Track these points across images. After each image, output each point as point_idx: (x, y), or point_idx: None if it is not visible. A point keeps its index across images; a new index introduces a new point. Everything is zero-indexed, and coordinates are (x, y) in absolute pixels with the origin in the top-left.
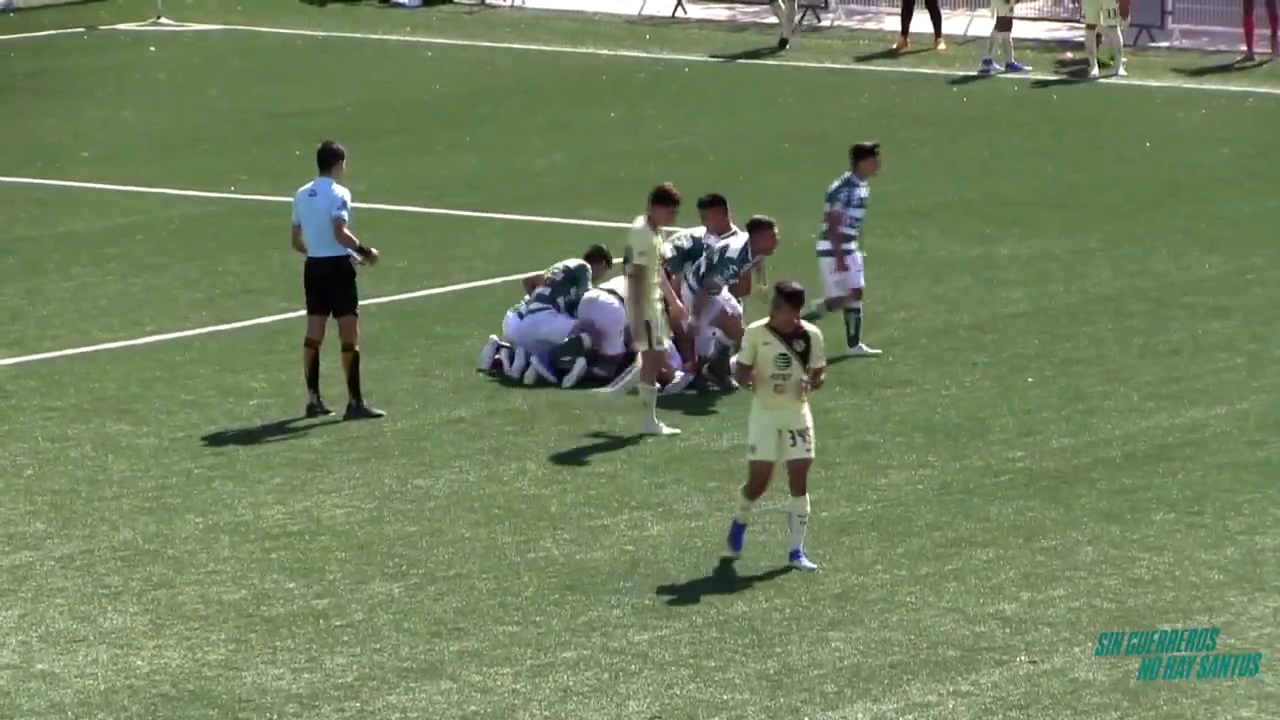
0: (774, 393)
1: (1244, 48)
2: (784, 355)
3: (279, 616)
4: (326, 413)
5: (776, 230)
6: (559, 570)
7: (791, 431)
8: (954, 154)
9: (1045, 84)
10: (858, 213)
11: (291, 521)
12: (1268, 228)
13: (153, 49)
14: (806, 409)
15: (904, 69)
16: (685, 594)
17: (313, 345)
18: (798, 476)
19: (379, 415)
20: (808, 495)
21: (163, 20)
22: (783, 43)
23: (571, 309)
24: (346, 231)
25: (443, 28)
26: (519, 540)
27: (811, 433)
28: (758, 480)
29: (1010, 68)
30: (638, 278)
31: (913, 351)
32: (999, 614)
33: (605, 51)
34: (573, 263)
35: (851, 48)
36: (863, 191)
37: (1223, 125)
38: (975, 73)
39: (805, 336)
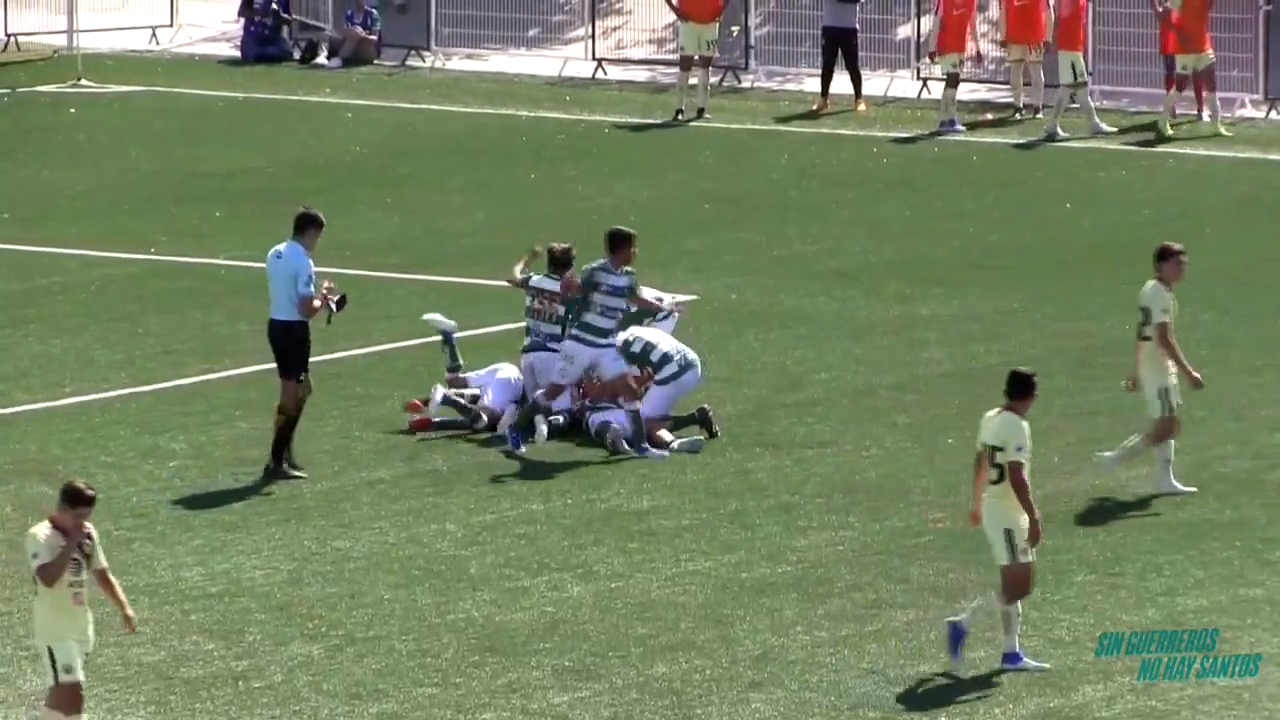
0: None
1: (1162, 109)
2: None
3: (198, 678)
4: (299, 470)
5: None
6: (479, 631)
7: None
8: (875, 214)
9: (966, 144)
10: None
11: (211, 583)
12: (1188, 288)
13: (73, 110)
14: None
15: (824, 130)
16: (605, 655)
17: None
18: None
19: (299, 476)
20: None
21: (83, 82)
22: (700, 112)
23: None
24: (316, 304)
25: (363, 89)
26: (438, 601)
27: None
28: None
29: (947, 125)
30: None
31: (834, 412)
32: (920, 676)
33: (525, 113)
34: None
35: (772, 108)
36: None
37: (1144, 186)
38: (929, 132)
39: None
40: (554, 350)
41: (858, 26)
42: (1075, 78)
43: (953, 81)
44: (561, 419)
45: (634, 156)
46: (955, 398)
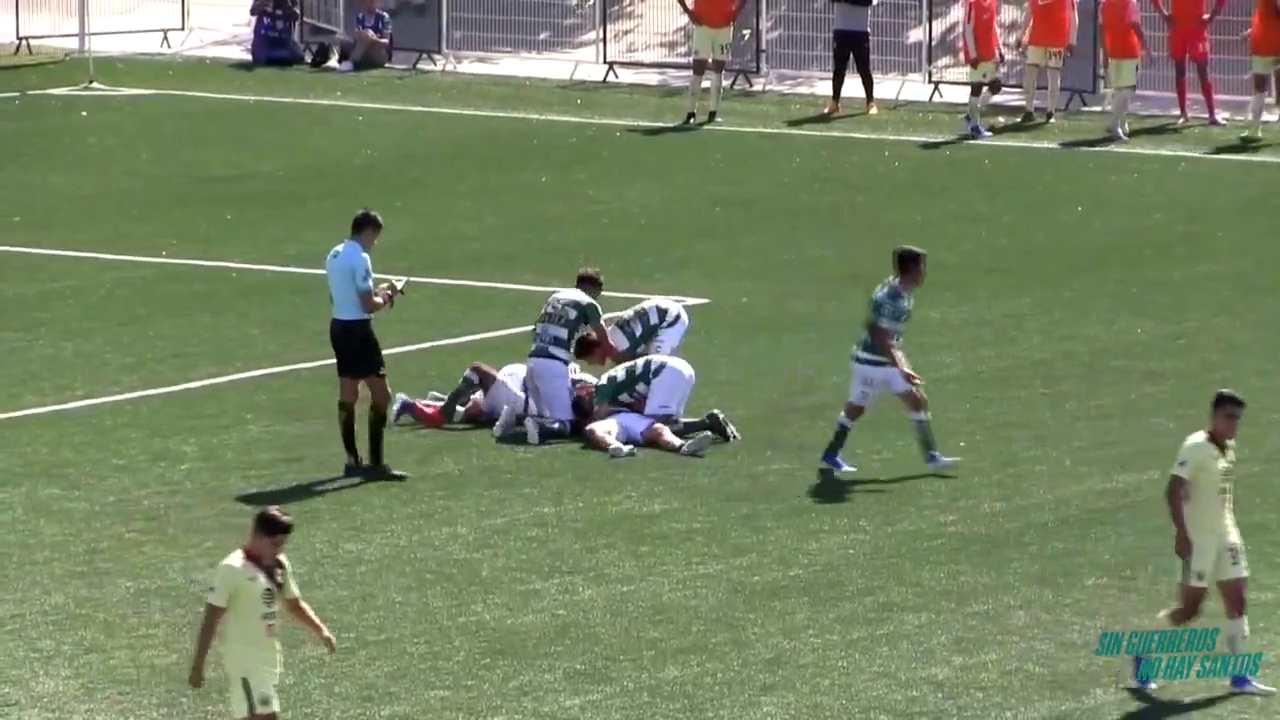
0: (1221, 508)
1: (1176, 112)
2: (1230, 467)
3: (210, 681)
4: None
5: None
6: (490, 634)
7: (1232, 549)
8: (885, 218)
9: (978, 148)
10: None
11: None
12: (1199, 292)
13: (84, 114)
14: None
15: (835, 133)
16: (617, 659)
17: (345, 407)
18: (1238, 596)
19: (401, 477)
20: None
21: (94, 85)
22: (711, 116)
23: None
24: (377, 299)
25: (374, 92)
26: (450, 604)
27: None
28: (1195, 607)
29: (975, 131)
30: None
31: None
32: (931, 679)
33: (536, 116)
34: (583, 299)
35: (783, 112)
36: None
37: (1155, 190)
38: (957, 136)
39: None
40: (557, 358)
41: (869, 30)
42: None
43: (992, 88)
44: (558, 425)
45: (645, 160)
46: (965, 401)
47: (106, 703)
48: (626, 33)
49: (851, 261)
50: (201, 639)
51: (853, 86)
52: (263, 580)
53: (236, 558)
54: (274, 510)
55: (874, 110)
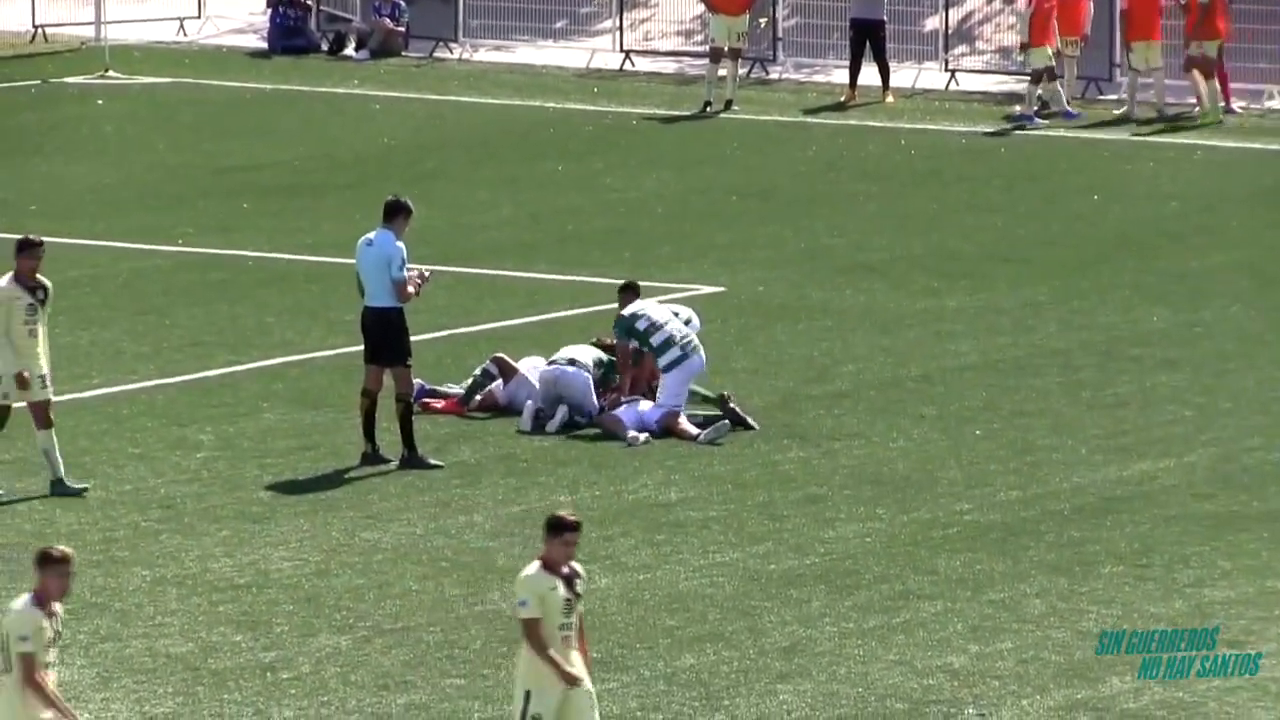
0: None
1: (1192, 101)
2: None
3: (226, 669)
4: (385, 462)
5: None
6: (507, 623)
7: None
8: (902, 207)
9: (993, 136)
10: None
11: (239, 574)
12: (1215, 281)
13: (100, 102)
14: None
15: (852, 122)
16: (633, 647)
17: (368, 395)
18: None
19: (437, 466)
20: None
21: (110, 73)
22: (728, 104)
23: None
24: (410, 290)
25: (391, 81)
26: (467, 593)
27: None
28: None
29: (1027, 119)
30: None
31: (861, 404)
32: (947, 667)
33: (553, 105)
34: (604, 358)
35: (799, 100)
36: None
37: (1171, 179)
38: (1011, 126)
39: None
40: (583, 368)
41: (885, 18)
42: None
43: (1048, 76)
44: (580, 420)
45: (662, 149)
46: (982, 390)
47: (122, 691)
48: (643, 21)
49: (867, 250)
50: (543, 657)
51: (869, 75)
52: (562, 590)
53: (534, 567)
54: (561, 511)
55: (890, 99)
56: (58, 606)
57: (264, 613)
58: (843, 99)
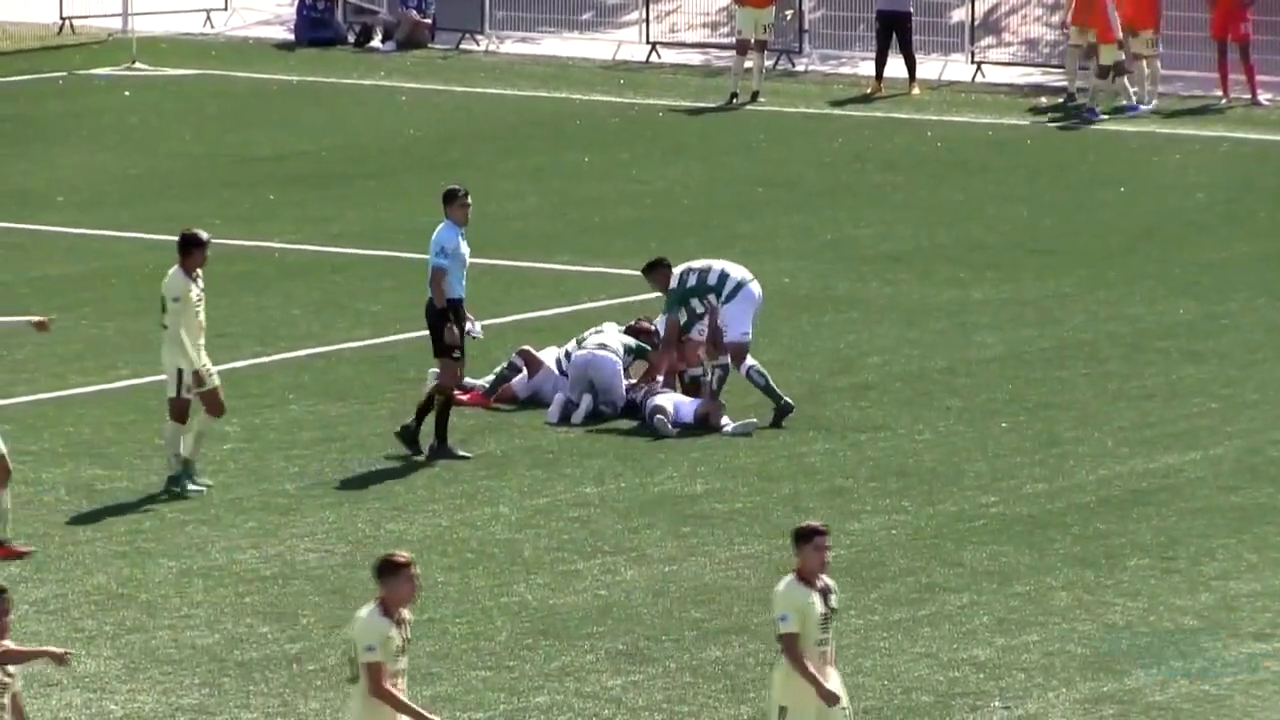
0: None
1: (1219, 92)
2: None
3: (252, 661)
4: (417, 453)
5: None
6: (532, 615)
7: None
8: (928, 199)
9: (1019, 128)
10: None
11: (265, 565)
12: (1241, 273)
13: (127, 94)
14: None
15: (878, 113)
16: (659, 639)
17: (439, 390)
18: None
19: (465, 457)
20: None
21: (137, 64)
22: (754, 96)
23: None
24: (441, 286)
25: (417, 72)
26: (492, 585)
27: None
28: None
29: (1090, 112)
30: None
31: (887, 396)
32: (973, 659)
33: (579, 96)
34: (633, 343)
35: (825, 92)
36: None
37: (1197, 170)
38: (1078, 120)
39: None
40: (612, 353)
41: (912, 10)
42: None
43: (1119, 71)
44: (606, 409)
45: (688, 140)
46: (1008, 382)
47: (148, 683)
48: (669, 13)
49: (893, 241)
50: (802, 673)
51: (895, 67)
52: (819, 604)
53: (790, 581)
54: (811, 521)
55: (916, 91)
56: (406, 613)
57: (290, 604)
58: (868, 91)
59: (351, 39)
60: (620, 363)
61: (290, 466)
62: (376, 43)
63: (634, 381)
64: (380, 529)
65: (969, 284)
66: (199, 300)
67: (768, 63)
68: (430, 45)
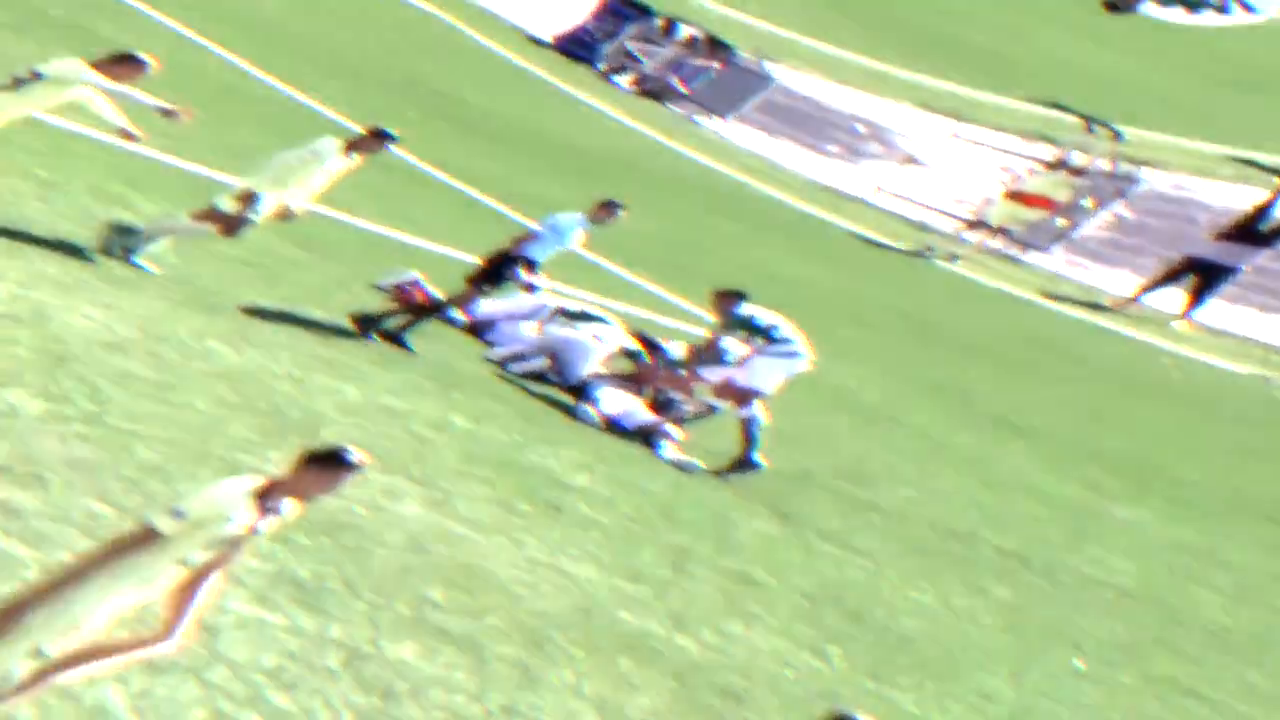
0: None
1: None
2: None
3: None
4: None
5: None
6: None
7: None
8: None
9: None
10: None
11: None
12: None
13: None
14: None
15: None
16: None
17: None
18: None
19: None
20: None
21: None
22: None
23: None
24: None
25: (636, 110)
26: None
27: None
28: None
29: None
30: None
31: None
32: None
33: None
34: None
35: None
36: None
37: None
38: None
39: None
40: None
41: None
42: None
43: None
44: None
45: None
46: None
47: None
48: None
49: None
50: None
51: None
52: None
53: None
54: None
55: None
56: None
57: None
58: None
59: (602, 67)
60: (595, 354)
61: None
62: (620, 79)
63: (603, 372)
64: None
65: None
66: None
67: None
68: (667, 104)
